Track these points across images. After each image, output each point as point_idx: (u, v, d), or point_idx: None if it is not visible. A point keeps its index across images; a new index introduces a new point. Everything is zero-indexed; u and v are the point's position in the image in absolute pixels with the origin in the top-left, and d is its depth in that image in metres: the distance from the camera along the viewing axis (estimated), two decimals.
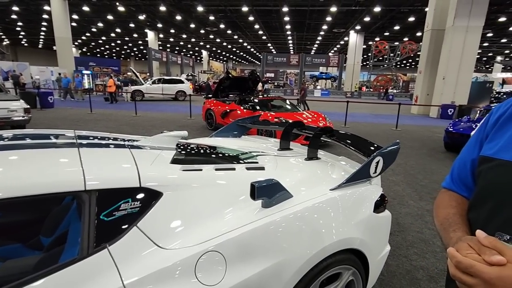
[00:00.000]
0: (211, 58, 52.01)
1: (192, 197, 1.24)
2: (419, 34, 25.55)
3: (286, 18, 24.89)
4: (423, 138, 8.37)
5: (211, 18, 25.04)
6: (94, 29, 31.13)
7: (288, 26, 28.38)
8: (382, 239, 1.71)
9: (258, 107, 7.40)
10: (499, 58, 41.52)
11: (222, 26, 28.31)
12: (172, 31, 31.20)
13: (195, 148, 1.92)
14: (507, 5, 19.01)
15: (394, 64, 31.57)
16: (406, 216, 3.37)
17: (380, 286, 2.14)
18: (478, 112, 7.34)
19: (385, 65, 32.02)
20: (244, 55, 54.09)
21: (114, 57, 53.40)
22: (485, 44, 32.22)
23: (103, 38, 36.41)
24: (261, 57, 34.17)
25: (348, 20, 25.75)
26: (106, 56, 53.18)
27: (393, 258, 2.51)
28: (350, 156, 2.36)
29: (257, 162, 1.77)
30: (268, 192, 1.27)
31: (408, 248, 2.70)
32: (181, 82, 19.70)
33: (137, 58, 56.18)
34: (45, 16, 24.48)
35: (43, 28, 30.31)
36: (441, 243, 0.71)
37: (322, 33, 31.03)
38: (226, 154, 1.92)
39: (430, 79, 14.30)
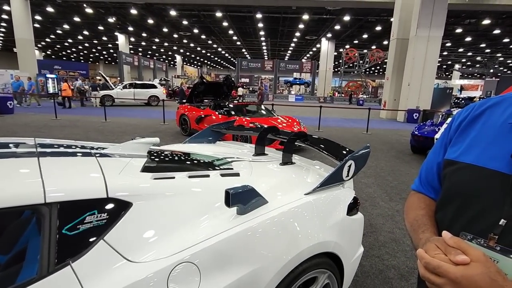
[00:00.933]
0: (185, 63, 51.36)
1: (164, 206, 1.19)
2: (385, 42, 26.93)
3: (260, 25, 25.22)
4: (392, 141, 8.77)
5: (184, 22, 24.79)
6: (59, 31, 29.61)
7: (262, 32, 28.76)
8: (355, 241, 1.75)
9: (233, 112, 7.38)
10: (457, 66, 44.84)
11: (196, 31, 28.10)
12: (144, 34, 30.48)
13: (167, 155, 1.86)
14: (462, 17, 20.67)
15: (363, 70, 32.96)
16: (378, 217, 3.49)
17: (354, 287, 2.19)
18: (440, 116, 7.83)
19: (355, 72, 33.36)
20: (219, 60, 53.99)
21: (82, 61, 51.09)
22: (445, 53, 34.63)
23: (70, 40, 34.76)
24: (236, 62, 34.28)
25: (319, 28, 26.60)
26: (73, 60, 50.73)
27: (367, 258, 2.58)
28: (324, 160, 2.41)
29: (232, 168, 1.75)
30: (243, 199, 1.26)
31: (380, 248, 2.79)
32: (154, 87, 19.22)
33: (106, 62, 54.14)
34: (4, 16, 22.97)
35: (2, 29, 28.41)
36: (411, 243, 0.73)
37: (295, 39, 31.76)
38: (200, 161, 1.88)
39: (396, 85, 15.07)
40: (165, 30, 27.63)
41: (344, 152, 1.96)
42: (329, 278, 1.53)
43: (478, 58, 38.39)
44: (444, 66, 46.41)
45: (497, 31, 23.80)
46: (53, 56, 47.79)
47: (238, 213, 1.28)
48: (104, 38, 32.91)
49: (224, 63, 58.62)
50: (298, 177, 1.87)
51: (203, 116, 7.77)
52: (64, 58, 48.61)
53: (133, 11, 21.19)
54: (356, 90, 35.32)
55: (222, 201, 1.23)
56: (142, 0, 17.42)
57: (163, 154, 1.82)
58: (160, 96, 18.29)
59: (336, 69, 41.55)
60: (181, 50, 41.97)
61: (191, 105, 8.56)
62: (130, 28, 27.24)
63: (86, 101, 18.06)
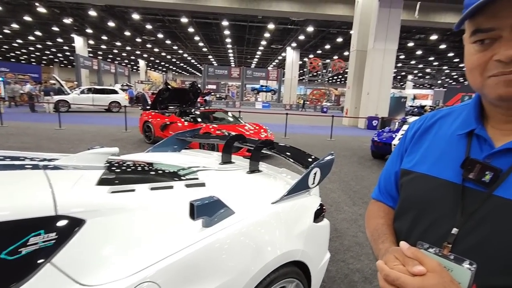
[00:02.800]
0: (149, 68, 49.81)
1: (123, 222, 1.11)
2: (346, 53, 28.42)
3: (227, 32, 25.33)
4: (354, 147, 9.19)
5: (148, 27, 24.11)
6: (7, 31, 27.20)
7: (228, 40, 28.88)
8: (322, 248, 1.77)
9: (199, 120, 7.25)
10: (410, 77, 48.69)
11: (160, 35, 27.44)
12: (105, 37, 29.09)
13: (127, 166, 1.75)
14: (413, 33, 22.56)
15: (326, 79, 34.40)
16: (343, 221, 3.60)
17: None
18: (397, 123, 8.38)
19: (319, 80, 34.70)
20: (185, 66, 53.16)
21: (34, 63, 47.33)
22: (399, 65, 37.40)
23: (19, 41, 32.06)
24: (202, 69, 33.97)
25: (285, 37, 27.37)
26: (23, 62, 46.79)
27: (333, 263, 2.63)
28: (290, 168, 2.43)
29: (197, 178, 1.69)
30: (208, 211, 1.21)
31: (345, 253, 2.86)
32: (115, 92, 18.33)
33: (62, 65, 50.69)
34: None
35: None
36: (372, 253, 0.74)
37: (261, 48, 32.33)
38: (164, 171, 1.80)
39: (357, 94, 15.90)
40: (127, 33, 26.64)
41: (310, 159, 1.99)
42: (297, 287, 1.52)
43: (428, 70, 42.11)
44: (399, 77, 50.10)
45: (443, 46, 26.31)
46: None
47: (203, 226, 1.23)
48: (60, 40, 30.84)
49: (191, 69, 57.84)
50: (265, 185, 1.86)
51: (168, 123, 7.54)
52: (12, 60, 44.64)
53: (92, 13, 20.17)
54: (320, 98, 36.68)
55: (187, 214, 1.18)
56: (101, 2, 16.64)
57: (122, 165, 1.71)
58: (122, 102, 17.48)
59: (301, 78, 42.91)
60: (145, 55, 40.69)
61: (156, 112, 8.28)
62: (89, 30, 25.82)
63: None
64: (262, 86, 40.78)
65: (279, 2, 15.92)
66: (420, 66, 39.19)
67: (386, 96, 14.81)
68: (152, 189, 1.36)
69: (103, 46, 34.32)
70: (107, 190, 1.19)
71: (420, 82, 49.61)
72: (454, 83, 48.40)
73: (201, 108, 8.30)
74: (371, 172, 6.14)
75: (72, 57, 30.17)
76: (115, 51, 37.64)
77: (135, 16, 20.82)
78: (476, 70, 0.55)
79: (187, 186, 1.52)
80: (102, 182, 1.26)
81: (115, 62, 41.41)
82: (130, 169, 1.71)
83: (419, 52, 29.56)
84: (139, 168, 1.77)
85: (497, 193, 0.54)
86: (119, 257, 1.02)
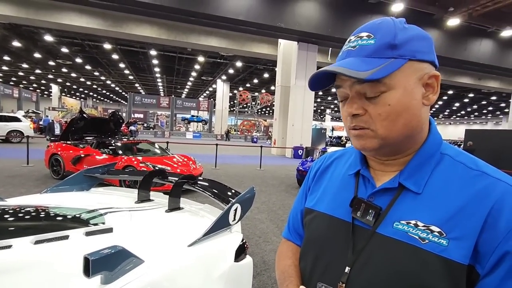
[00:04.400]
0: (63, 94, 44.78)
1: None
2: (273, 87, 30.60)
3: (155, 61, 24.80)
4: (281, 176, 9.59)
5: (64, 50, 22.00)
6: None
7: (157, 69, 28.26)
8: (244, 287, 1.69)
9: (120, 152, 6.66)
10: (328, 111, 54.78)
11: (79, 60, 25.23)
12: (7, 58, 25.36)
13: (7, 212, 1.44)
14: None
15: (256, 111, 36.14)
16: (271, 252, 3.60)
17: None
18: (318, 153, 9.14)
19: (249, 112, 36.22)
20: (108, 93, 49.51)
21: None
22: (318, 100, 41.88)
23: None
24: (128, 97, 32.13)
25: (215, 70, 28.15)
26: None
27: None
28: (215, 203, 2.35)
29: (103, 223, 1.48)
30: (109, 264, 1.04)
31: (273, 286, 2.82)
32: (16, 119, 15.74)
33: None
34: None
35: None
36: None
37: (192, 79, 32.46)
38: (59, 217, 1.53)
39: (283, 125, 16.99)
40: (37, 55, 23.76)
41: (230, 193, 1.96)
42: None
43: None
44: (319, 110, 55.89)
45: None
46: None
47: (102, 283, 1.04)
48: None
49: (115, 96, 54.12)
50: (185, 225, 1.74)
51: (82, 156, 6.72)
52: None
53: None
54: (250, 129, 38.08)
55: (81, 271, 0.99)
56: (4, 20, 14.65)
57: (1, 212, 1.40)
58: (26, 131, 15.06)
59: (231, 109, 44.14)
60: (59, 80, 36.63)
61: (67, 143, 7.32)
62: None
63: None
64: (193, 116, 40.51)
65: (208, 37, 16.47)
66: (336, 102, 44.57)
67: (308, 128, 16.18)
68: (37, 242, 1.12)
69: (5, 67, 29.77)
70: None
71: (337, 115, 56.20)
72: None
73: (123, 139, 7.66)
74: None
75: None
76: (21, 73, 33.00)
77: (48, 38, 18.83)
78: (344, 122, 0.63)
79: (88, 234, 1.31)
80: None
81: (20, 86, 36.21)
82: (10, 218, 1.40)
83: (333, 90, 33.56)
84: (24, 216, 1.46)
85: (378, 231, 0.57)
86: None
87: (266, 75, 27.77)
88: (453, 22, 13.38)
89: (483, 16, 12.92)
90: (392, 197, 0.59)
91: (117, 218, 1.62)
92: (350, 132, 0.60)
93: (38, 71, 30.84)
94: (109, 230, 1.41)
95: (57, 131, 10.25)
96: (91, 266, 0.97)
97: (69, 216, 1.53)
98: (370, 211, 0.59)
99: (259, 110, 43.03)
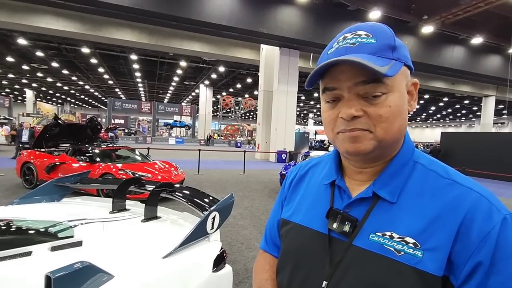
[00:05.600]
0: (39, 99, 43.05)
1: None
2: (256, 92, 30.73)
3: (136, 66, 24.33)
4: (265, 180, 9.57)
5: (39, 54, 21.20)
6: None
7: (138, 74, 27.73)
8: None
9: (98, 159, 6.44)
10: (311, 115, 55.58)
11: (55, 64, 24.36)
12: None
13: None
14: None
15: (239, 116, 36.12)
16: (253, 259, 3.55)
17: None
18: (301, 157, 9.20)
19: (232, 116, 36.16)
20: (86, 98, 48.06)
21: None
22: (301, 104, 42.41)
23: None
24: (108, 102, 31.32)
25: (197, 75, 27.94)
26: None
27: None
28: (194, 211, 2.30)
29: (72, 236, 1.40)
30: (73, 282, 0.98)
31: None
32: None
33: None
34: None
35: None
36: None
37: (174, 84, 32.06)
38: (22, 231, 1.43)
39: (267, 129, 17.05)
40: (10, 59, 22.75)
41: (208, 201, 1.91)
42: None
43: None
44: (302, 114, 56.59)
45: None
46: None
47: None
48: None
49: (94, 102, 52.60)
50: (160, 235, 1.67)
51: (57, 163, 6.44)
52: None
53: None
54: (234, 133, 37.99)
55: None
56: None
57: None
58: None
59: (215, 113, 43.91)
60: (34, 84, 35.21)
61: (41, 151, 7.00)
62: None
63: None
64: (175, 121, 39.94)
65: (190, 42, 16.34)
66: (318, 106, 45.32)
67: (291, 132, 16.31)
68: None
69: None
70: None
71: (320, 119, 57.18)
72: None
73: (102, 146, 7.41)
74: None
75: None
76: None
77: (22, 41, 18.08)
78: (328, 126, 0.59)
79: (54, 249, 1.23)
80: None
81: None
82: None
83: (316, 95, 34.23)
84: None
85: (355, 243, 0.56)
86: None
87: (249, 80, 27.85)
88: (427, 29, 13.99)
89: (454, 24, 13.58)
90: (367, 208, 0.57)
91: (88, 230, 1.54)
92: (340, 136, 0.56)
93: (11, 75, 29.53)
94: (78, 243, 1.33)
95: (25, 138, 9.73)
96: (53, 285, 0.90)
97: (33, 230, 1.44)
98: (346, 222, 0.57)
99: (243, 115, 43.08)
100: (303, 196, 0.70)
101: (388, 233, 0.53)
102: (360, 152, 0.55)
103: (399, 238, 0.52)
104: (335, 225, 0.58)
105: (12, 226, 1.45)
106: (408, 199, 0.55)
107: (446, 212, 0.51)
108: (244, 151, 11.40)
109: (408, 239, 0.51)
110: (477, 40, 15.26)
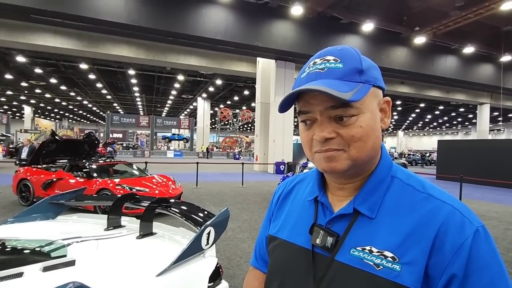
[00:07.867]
0: (37, 115, 43.14)
1: None
2: (253, 104, 30.95)
3: (134, 81, 24.56)
4: (264, 192, 9.52)
5: (38, 71, 21.38)
6: None
7: (136, 88, 27.95)
8: None
9: (95, 174, 6.40)
10: None
11: (53, 80, 24.55)
12: None
13: None
14: None
15: (237, 128, 36.24)
16: None
17: None
18: (299, 167, 9.18)
19: (231, 128, 36.27)
20: (85, 113, 48.20)
21: None
22: None
23: None
24: (106, 116, 31.40)
25: (195, 88, 28.19)
26: None
27: None
28: (191, 226, 2.28)
29: (65, 255, 1.38)
30: None
31: None
32: None
33: None
34: None
35: None
36: None
37: (171, 97, 32.29)
38: (13, 252, 1.41)
39: (265, 141, 17.08)
40: (8, 77, 22.92)
41: (203, 215, 1.90)
42: None
43: None
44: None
45: None
46: None
47: None
48: None
49: (92, 117, 52.73)
50: (155, 252, 1.66)
51: (54, 180, 6.40)
52: None
53: None
54: (232, 145, 38.02)
55: None
56: None
57: None
58: None
59: (213, 126, 44.05)
60: (33, 101, 35.36)
61: (38, 167, 6.96)
62: None
63: None
64: (174, 134, 40.00)
65: (187, 56, 16.57)
66: None
67: (289, 143, 16.35)
68: None
69: None
70: None
71: None
72: None
73: (99, 161, 7.38)
74: None
75: None
76: None
77: (20, 59, 18.27)
78: (306, 145, 0.61)
79: (46, 269, 1.22)
80: None
81: None
82: None
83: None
84: None
85: (337, 258, 0.57)
86: None
87: (246, 92, 28.09)
88: (420, 40, 14.28)
89: (446, 34, 13.89)
90: (348, 223, 0.58)
91: (82, 249, 1.52)
92: (316, 156, 0.59)
93: (9, 92, 29.68)
94: (71, 263, 1.32)
95: (24, 155, 9.69)
96: None
97: (25, 250, 1.43)
98: (328, 238, 0.58)
99: (241, 127, 43.23)
100: (288, 212, 0.71)
101: (368, 248, 0.54)
102: (336, 171, 0.57)
103: (378, 252, 0.53)
104: (318, 241, 0.59)
105: (4, 246, 1.43)
106: (386, 213, 0.56)
107: (422, 226, 0.52)
108: (242, 163, 11.38)
109: (387, 253, 0.52)
110: (469, 49, 15.57)
